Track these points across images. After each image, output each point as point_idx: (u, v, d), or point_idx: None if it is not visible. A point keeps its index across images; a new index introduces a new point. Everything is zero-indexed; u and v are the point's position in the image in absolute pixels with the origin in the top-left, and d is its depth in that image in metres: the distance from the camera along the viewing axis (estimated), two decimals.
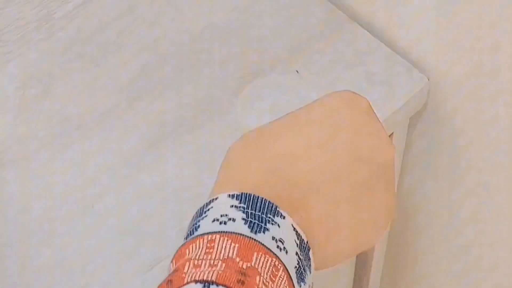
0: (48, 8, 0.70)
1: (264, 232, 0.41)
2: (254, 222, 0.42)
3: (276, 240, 0.42)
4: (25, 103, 0.64)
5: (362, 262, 0.87)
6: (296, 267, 0.42)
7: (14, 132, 0.63)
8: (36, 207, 0.59)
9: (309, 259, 0.44)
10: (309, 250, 0.44)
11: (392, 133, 0.67)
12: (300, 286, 0.42)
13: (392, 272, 0.93)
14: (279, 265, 0.40)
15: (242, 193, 0.43)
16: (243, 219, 0.42)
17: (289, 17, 0.68)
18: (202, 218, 0.43)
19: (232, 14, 0.69)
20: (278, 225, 0.42)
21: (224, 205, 0.43)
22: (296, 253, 0.42)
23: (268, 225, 0.42)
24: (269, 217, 0.42)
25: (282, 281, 0.40)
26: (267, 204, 0.43)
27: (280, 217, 0.43)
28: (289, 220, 0.43)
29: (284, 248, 0.42)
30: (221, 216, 0.42)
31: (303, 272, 0.43)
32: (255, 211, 0.42)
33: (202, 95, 0.64)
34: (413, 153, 0.75)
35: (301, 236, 0.43)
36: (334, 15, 0.68)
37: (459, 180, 0.73)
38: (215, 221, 0.42)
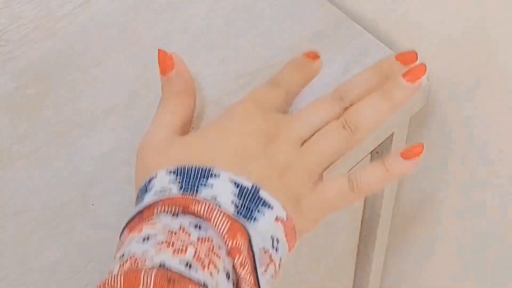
0: (48, 8, 0.70)
1: (195, 196, 0.47)
2: (188, 189, 0.48)
3: (207, 199, 0.47)
4: (25, 103, 0.65)
5: (362, 261, 0.87)
6: (234, 212, 0.47)
7: (14, 131, 0.63)
8: (36, 206, 0.59)
9: (260, 199, 0.48)
10: (258, 191, 0.49)
11: (393, 133, 0.67)
12: (250, 220, 0.48)
13: (393, 271, 0.93)
14: (214, 208, 0.46)
15: (177, 167, 0.49)
16: (179, 189, 0.48)
17: (288, 17, 0.68)
18: (147, 194, 0.49)
19: (232, 13, 0.69)
20: (212, 186, 0.48)
21: (163, 182, 0.49)
22: (232, 202, 0.48)
23: (200, 188, 0.48)
24: (202, 182, 0.48)
25: (219, 215, 0.46)
26: (200, 170, 0.49)
27: (214, 177, 0.48)
28: (225, 175, 0.48)
29: (217, 203, 0.47)
30: (161, 190, 0.48)
31: (248, 211, 0.48)
32: (189, 180, 0.48)
33: (202, 95, 0.64)
34: None
35: (241, 185, 0.48)
36: (333, 14, 0.68)
37: (460, 179, 0.73)
38: (157, 194, 0.48)
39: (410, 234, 0.85)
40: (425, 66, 0.54)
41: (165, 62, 0.57)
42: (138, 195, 0.52)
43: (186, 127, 0.56)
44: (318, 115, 0.54)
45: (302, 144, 0.53)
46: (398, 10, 0.65)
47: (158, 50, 0.57)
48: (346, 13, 0.68)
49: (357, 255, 0.86)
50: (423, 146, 0.52)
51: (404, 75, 0.54)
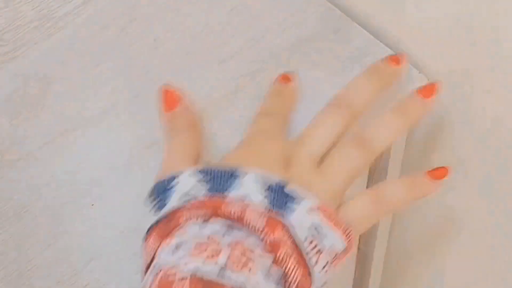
0: (48, 7, 0.70)
1: (225, 196, 0.47)
2: (217, 189, 0.48)
3: (238, 199, 0.47)
4: (26, 103, 0.65)
5: (362, 262, 0.87)
6: (268, 206, 0.47)
7: (14, 132, 0.63)
8: (36, 206, 0.59)
9: (290, 191, 0.48)
10: (284, 187, 0.48)
11: None
12: (286, 211, 0.47)
13: (392, 272, 0.93)
14: (246, 207, 0.46)
15: (205, 168, 0.49)
16: (208, 189, 0.48)
17: (287, 17, 0.68)
18: (170, 195, 0.49)
19: (231, 13, 0.69)
20: (241, 184, 0.48)
21: (190, 182, 0.49)
22: (265, 196, 0.47)
23: (230, 188, 0.48)
24: (231, 181, 0.48)
25: (253, 213, 0.46)
26: (228, 169, 0.48)
27: (242, 175, 0.48)
28: (253, 172, 0.48)
29: (248, 201, 0.47)
30: (188, 193, 0.48)
31: (281, 203, 0.47)
32: (218, 179, 0.48)
33: (201, 95, 0.64)
34: (413, 154, 0.75)
35: (270, 180, 0.48)
36: (333, 14, 0.68)
37: (460, 180, 0.73)
38: (183, 197, 0.48)
39: (410, 234, 0.85)
40: (438, 84, 0.55)
41: (171, 98, 0.56)
42: (154, 191, 0.51)
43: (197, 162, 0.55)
44: (329, 129, 0.54)
45: (320, 163, 0.53)
46: (398, 10, 0.65)
47: (163, 87, 0.56)
48: (344, 12, 0.68)
49: (357, 255, 0.86)
50: (448, 169, 0.53)
51: (419, 91, 0.55)
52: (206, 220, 0.46)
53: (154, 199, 0.51)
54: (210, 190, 0.48)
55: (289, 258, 0.45)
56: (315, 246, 0.46)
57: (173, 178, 0.50)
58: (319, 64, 0.65)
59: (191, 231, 0.46)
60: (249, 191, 0.47)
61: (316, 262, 0.46)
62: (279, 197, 0.47)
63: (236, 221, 0.46)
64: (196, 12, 0.69)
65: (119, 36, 0.68)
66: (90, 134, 0.63)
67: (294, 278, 0.45)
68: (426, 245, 0.84)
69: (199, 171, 0.49)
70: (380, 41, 0.67)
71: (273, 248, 0.45)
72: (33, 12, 0.70)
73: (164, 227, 0.47)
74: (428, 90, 0.55)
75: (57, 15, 0.70)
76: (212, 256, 0.43)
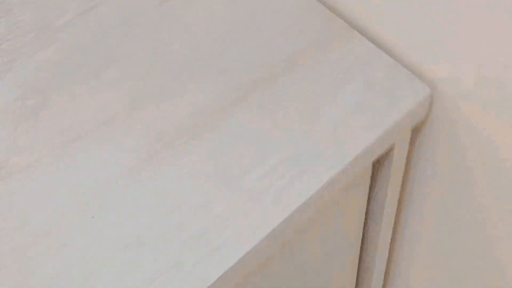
0: (47, 17, 0.70)
1: None
2: None
3: None
4: (24, 114, 0.64)
5: (363, 263, 0.87)
6: None
7: (13, 143, 0.63)
8: (36, 218, 0.59)
9: None
10: None
11: (394, 143, 0.67)
12: None
13: (393, 274, 0.93)
14: None
15: None
16: None
17: (289, 25, 0.68)
18: None
19: (232, 21, 0.69)
20: None
21: None
22: None
23: None
24: None
25: None
26: None
27: None
28: None
29: None
30: None
31: None
32: None
33: (202, 103, 0.64)
34: (415, 163, 0.75)
35: None
36: (334, 23, 0.68)
37: (462, 189, 0.72)
38: None
39: (411, 238, 0.85)
40: None
41: None
42: None
43: None
44: None
45: None
46: (399, 18, 0.65)
47: None
48: (346, 21, 0.68)
49: (360, 255, 0.86)
50: None
51: None
52: None
53: None
54: None
55: None
56: None
57: None
58: (321, 73, 0.65)
59: None
60: None
61: None
62: None
63: None
64: (197, 22, 0.69)
65: (117, 46, 0.68)
66: (89, 145, 0.62)
67: None
68: (427, 249, 0.84)
69: None
70: (383, 51, 0.66)
71: None
72: (31, 22, 0.70)
73: None
74: None
75: (56, 25, 0.69)
76: None
